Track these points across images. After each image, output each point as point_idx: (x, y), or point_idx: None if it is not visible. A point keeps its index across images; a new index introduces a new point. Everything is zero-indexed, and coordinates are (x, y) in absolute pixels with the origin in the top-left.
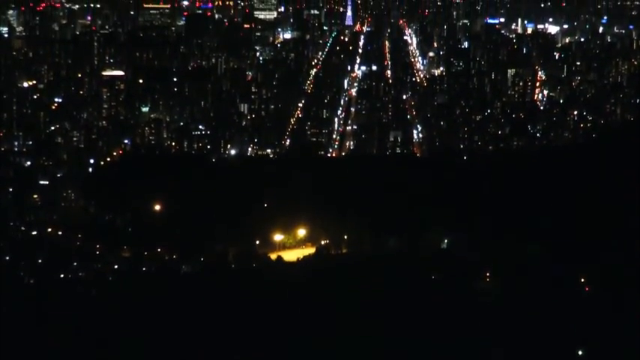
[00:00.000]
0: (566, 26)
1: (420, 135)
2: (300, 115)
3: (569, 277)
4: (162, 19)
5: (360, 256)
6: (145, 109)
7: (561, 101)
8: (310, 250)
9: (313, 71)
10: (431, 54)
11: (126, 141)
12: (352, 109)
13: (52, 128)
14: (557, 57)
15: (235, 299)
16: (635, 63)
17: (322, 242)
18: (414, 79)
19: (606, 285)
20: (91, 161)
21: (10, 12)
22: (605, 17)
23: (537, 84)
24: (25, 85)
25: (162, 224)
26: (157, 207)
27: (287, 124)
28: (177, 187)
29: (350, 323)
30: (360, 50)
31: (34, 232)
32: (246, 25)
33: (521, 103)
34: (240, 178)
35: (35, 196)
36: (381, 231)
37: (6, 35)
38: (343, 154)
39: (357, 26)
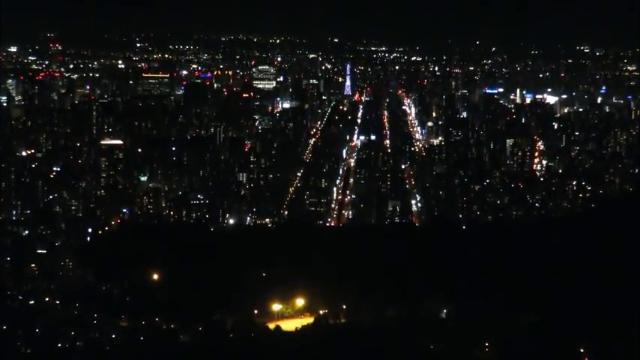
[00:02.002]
0: (564, 96)
1: (419, 204)
2: (298, 185)
3: (567, 347)
4: (161, 88)
5: (358, 326)
6: (143, 178)
7: (560, 171)
8: (308, 320)
9: (312, 140)
10: (430, 124)
11: (124, 210)
12: (351, 179)
13: (50, 197)
14: (555, 127)
15: None
16: (634, 133)
17: (320, 312)
18: (412, 148)
19: (604, 356)
20: (89, 230)
21: (9, 81)
22: (604, 87)
23: (536, 154)
24: (24, 153)
25: (161, 293)
26: (155, 276)
27: (286, 194)
28: (176, 257)
29: None
30: (358, 120)
31: (32, 302)
32: (245, 95)
33: (519, 172)
34: (239, 248)
35: (33, 265)
36: (380, 301)
37: (5, 104)
38: (342, 223)
39: (356, 96)
